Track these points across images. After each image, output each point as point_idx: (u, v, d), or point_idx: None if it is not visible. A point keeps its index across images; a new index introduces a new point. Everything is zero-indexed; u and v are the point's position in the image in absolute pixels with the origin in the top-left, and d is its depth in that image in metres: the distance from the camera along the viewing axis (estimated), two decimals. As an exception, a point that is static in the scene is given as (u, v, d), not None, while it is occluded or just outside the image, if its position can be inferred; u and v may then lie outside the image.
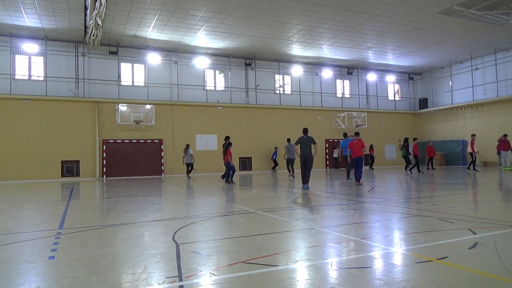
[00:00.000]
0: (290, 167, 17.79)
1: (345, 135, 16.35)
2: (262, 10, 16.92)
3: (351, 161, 12.82)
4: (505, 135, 19.56)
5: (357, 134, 13.25)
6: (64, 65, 20.39)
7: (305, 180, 11.49)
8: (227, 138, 14.85)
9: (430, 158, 22.70)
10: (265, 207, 7.90)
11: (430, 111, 29.08)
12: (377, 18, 18.04)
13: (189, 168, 18.75)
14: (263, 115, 24.58)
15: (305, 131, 11.97)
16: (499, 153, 20.08)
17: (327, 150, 26.41)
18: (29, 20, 17.42)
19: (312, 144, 11.60)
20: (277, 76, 25.71)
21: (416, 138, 19.77)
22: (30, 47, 19.60)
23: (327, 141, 26.49)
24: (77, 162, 20.18)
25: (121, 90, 21.49)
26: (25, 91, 19.47)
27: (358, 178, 12.36)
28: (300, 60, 25.62)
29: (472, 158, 19.17)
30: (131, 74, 22.18)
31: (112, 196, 11.03)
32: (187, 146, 18.91)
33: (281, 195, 10.46)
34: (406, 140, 18.70)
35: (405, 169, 18.48)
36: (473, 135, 19.67)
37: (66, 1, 15.48)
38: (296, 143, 11.93)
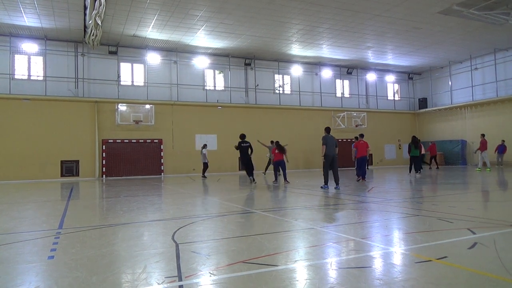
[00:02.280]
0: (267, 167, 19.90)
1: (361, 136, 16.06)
2: (262, 10, 16.91)
3: (356, 160, 14.07)
4: (483, 135, 19.50)
5: (362, 135, 14.48)
6: (63, 65, 20.37)
7: (337, 180, 11.29)
8: (277, 142, 15.14)
9: (432, 157, 23.06)
10: (265, 207, 7.90)
11: (430, 111, 29.10)
12: (376, 18, 18.05)
13: (204, 168, 18.93)
14: (263, 115, 24.57)
15: (329, 129, 11.68)
16: (499, 152, 20.09)
17: (326, 150, 26.39)
18: (28, 20, 17.40)
19: (336, 146, 11.46)
20: (276, 76, 25.71)
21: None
22: (30, 46, 19.59)
23: (326, 141, 26.47)
24: (77, 162, 20.18)
25: (120, 90, 21.48)
26: (24, 91, 19.46)
27: (363, 175, 13.63)
28: (300, 60, 25.62)
29: (428, 160, 21.62)
30: (131, 74, 22.17)
31: (112, 196, 11.02)
32: (203, 146, 19.12)
33: (281, 195, 10.45)
34: (415, 139, 16.89)
35: (417, 171, 16.62)
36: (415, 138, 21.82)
37: (66, 1, 15.46)
38: (324, 143, 11.31)
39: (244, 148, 13.70)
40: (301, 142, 24.85)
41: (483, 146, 18.50)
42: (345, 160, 23.27)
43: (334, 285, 3.01)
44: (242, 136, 13.93)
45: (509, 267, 3.31)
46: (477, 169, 18.75)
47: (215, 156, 22.65)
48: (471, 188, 11.48)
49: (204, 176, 18.81)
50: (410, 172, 17.41)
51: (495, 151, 20.30)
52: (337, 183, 11.23)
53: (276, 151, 14.35)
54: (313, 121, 25.87)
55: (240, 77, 24.55)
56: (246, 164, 13.93)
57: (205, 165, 18.83)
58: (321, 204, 8.39)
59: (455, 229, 5.07)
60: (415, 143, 16.62)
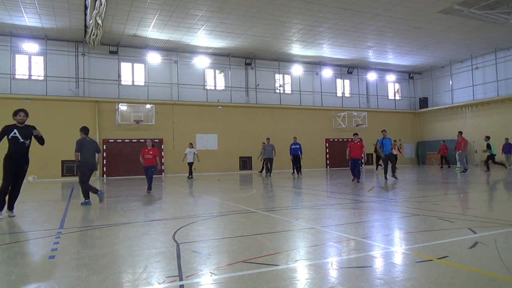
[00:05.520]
0: (268, 166, 18.84)
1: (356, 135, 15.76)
2: (262, 9, 16.90)
3: (350, 160, 13.72)
4: (460, 132, 19.26)
5: (356, 134, 14.20)
6: (64, 65, 20.37)
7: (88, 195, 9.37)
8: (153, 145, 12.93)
9: (442, 157, 23.47)
10: (266, 206, 7.90)
11: (431, 110, 29.06)
12: (377, 17, 18.03)
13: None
14: (263, 115, 24.56)
15: (86, 130, 9.89)
16: (506, 152, 19.94)
17: (327, 150, 26.42)
18: (29, 19, 17.41)
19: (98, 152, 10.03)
20: (277, 76, 25.69)
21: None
22: (30, 46, 19.58)
23: (327, 140, 26.48)
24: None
25: (121, 90, 21.48)
26: (25, 91, 19.45)
27: (358, 176, 13.51)
28: (300, 60, 25.60)
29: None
30: (131, 73, 22.16)
31: (112, 196, 11.03)
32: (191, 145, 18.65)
33: (281, 194, 10.45)
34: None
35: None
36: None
37: (66, 0, 15.46)
38: (78, 149, 9.46)
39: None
40: (301, 141, 24.81)
41: (460, 145, 18.61)
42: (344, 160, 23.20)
43: (335, 284, 3.01)
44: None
45: (510, 266, 3.30)
46: (457, 169, 19.45)
47: (215, 156, 22.67)
48: (471, 187, 11.47)
49: (190, 177, 18.02)
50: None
51: (502, 151, 20.08)
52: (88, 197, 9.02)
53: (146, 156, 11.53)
54: (313, 120, 25.85)
55: (241, 77, 24.54)
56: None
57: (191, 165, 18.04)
58: (321, 203, 8.39)
59: (456, 228, 5.07)
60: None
